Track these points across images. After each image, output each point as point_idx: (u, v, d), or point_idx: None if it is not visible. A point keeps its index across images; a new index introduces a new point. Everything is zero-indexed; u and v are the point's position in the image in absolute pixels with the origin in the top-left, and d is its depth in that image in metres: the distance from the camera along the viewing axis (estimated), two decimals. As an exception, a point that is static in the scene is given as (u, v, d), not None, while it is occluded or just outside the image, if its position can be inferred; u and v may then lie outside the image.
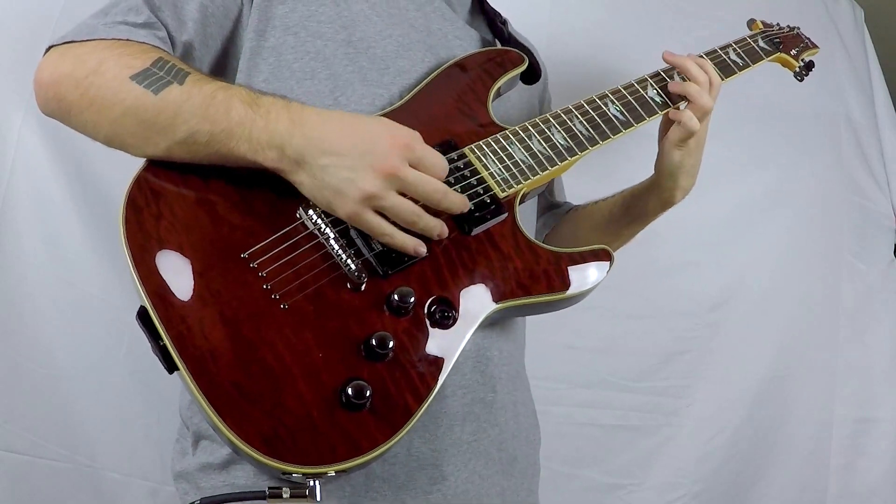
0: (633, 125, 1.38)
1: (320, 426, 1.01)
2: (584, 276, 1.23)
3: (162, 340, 1.01)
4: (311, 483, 1.00)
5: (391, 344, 1.05)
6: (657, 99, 1.42)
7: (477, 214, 1.18)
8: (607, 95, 1.40)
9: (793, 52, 1.68)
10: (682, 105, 1.41)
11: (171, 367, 1.02)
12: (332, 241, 1.10)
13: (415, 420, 1.05)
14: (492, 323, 1.22)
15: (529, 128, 1.31)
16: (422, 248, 1.12)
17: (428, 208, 1.12)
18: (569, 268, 1.22)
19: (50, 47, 1.20)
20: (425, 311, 1.11)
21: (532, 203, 1.48)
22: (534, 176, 1.26)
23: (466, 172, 1.22)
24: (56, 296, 1.78)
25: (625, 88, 1.42)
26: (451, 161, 1.21)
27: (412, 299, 1.09)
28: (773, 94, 2.34)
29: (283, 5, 1.29)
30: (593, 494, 2.22)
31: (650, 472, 2.26)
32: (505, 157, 1.26)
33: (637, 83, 1.43)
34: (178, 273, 1.05)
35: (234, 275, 1.06)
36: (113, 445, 1.82)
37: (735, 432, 2.32)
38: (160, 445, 1.82)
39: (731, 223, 2.35)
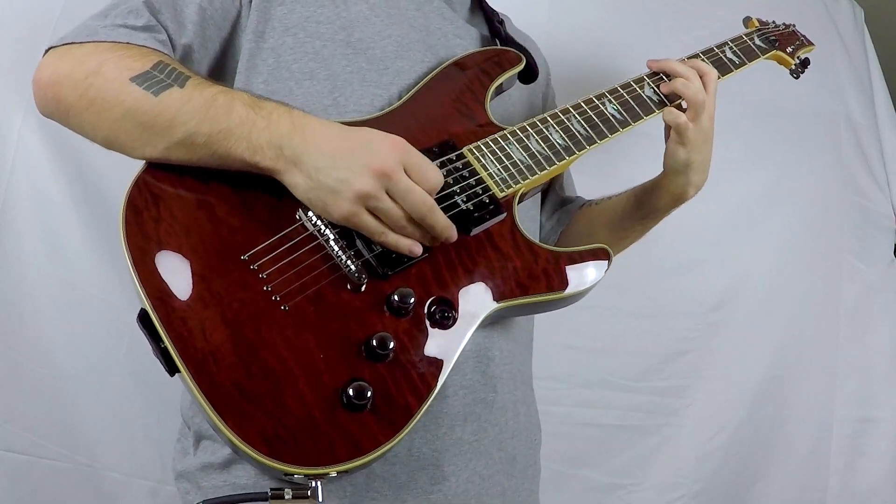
0: (630, 124, 1.39)
1: (322, 427, 1.01)
2: (583, 275, 1.23)
3: (163, 343, 1.01)
4: (313, 484, 1.00)
5: (392, 344, 1.06)
6: (654, 98, 1.42)
7: (476, 215, 1.19)
8: (604, 95, 1.40)
9: (788, 49, 1.68)
10: (684, 104, 1.40)
11: (172, 370, 1.02)
12: (332, 243, 1.10)
13: (416, 420, 1.05)
14: (492, 322, 1.22)
15: (527, 128, 1.31)
16: (417, 248, 1.12)
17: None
18: (567, 267, 1.22)
19: (49, 49, 1.20)
20: (425, 311, 1.12)
21: (532, 202, 1.48)
22: (532, 176, 1.27)
23: (465, 173, 1.22)
24: (56, 296, 1.78)
25: (622, 88, 1.42)
26: (449, 161, 1.21)
27: (412, 300, 1.09)
28: (773, 94, 2.34)
29: (281, 6, 1.29)
30: (593, 494, 2.22)
31: (650, 471, 2.26)
32: (503, 157, 1.26)
33: (634, 82, 1.43)
34: (178, 275, 1.05)
35: (234, 276, 1.06)
36: (113, 445, 1.82)
37: (735, 432, 2.32)
38: (160, 445, 1.82)
39: (731, 223, 2.35)
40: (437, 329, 1.11)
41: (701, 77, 1.41)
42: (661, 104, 1.42)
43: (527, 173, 1.26)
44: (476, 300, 1.15)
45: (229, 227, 1.10)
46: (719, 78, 1.47)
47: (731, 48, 1.56)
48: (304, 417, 1.01)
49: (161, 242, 1.06)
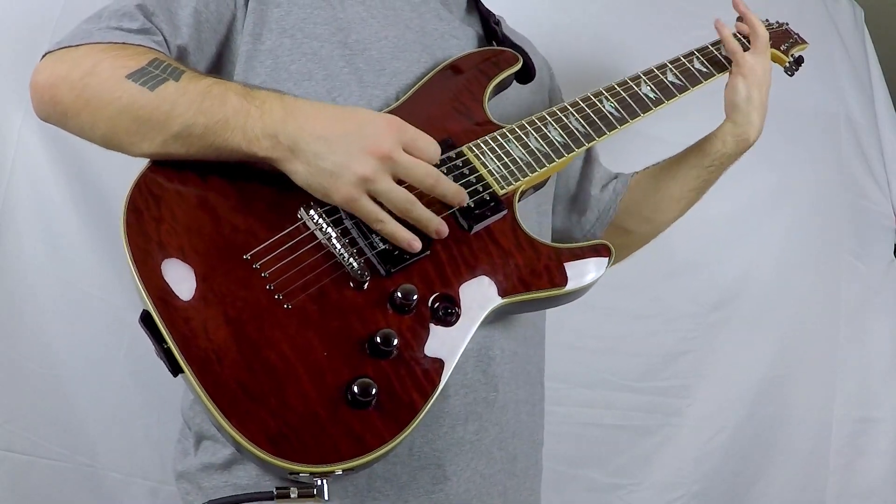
0: (628, 121, 1.40)
1: (326, 425, 1.01)
2: (585, 271, 1.23)
3: (166, 343, 1.01)
4: (319, 482, 0.99)
5: (395, 341, 1.06)
6: (651, 95, 1.44)
7: (477, 212, 1.19)
8: (602, 92, 1.41)
9: (782, 47, 1.70)
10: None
11: (175, 370, 1.02)
12: (334, 241, 1.10)
13: (421, 417, 1.05)
14: (494, 320, 1.22)
15: (526, 125, 1.32)
16: (416, 243, 1.12)
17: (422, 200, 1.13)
18: (569, 263, 1.23)
19: (46, 53, 1.21)
20: (429, 308, 1.12)
21: (543, 198, 1.48)
22: (532, 173, 1.27)
23: (465, 171, 1.22)
24: (56, 296, 1.78)
25: (619, 85, 1.44)
26: (449, 160, 1.22)
27: (415, 297, 1.09)
28: (773, 95, 2.33)
29: (278, 8, 1.30)
30: (594, 494, 2.22)
31: (650, 471, 2.26)
32: (503, 155, 1.27)
33: (631, 80, 1.45)
34: (180, 275, 1.05)
35: (236, 276, 1.06)
36: (113, 445, 1.82)
37: (735, 432, 2.32)
38: (160, 445, 1.82)
39: (731, 223, 2.35)
40: (440, 326, 1.11)
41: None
42: (658, 102, 1.44)
43: (526, 170, 1.27)
44: (479, 296, 1.16)
45: (231, 227, 1.10)
46: (715, 76, 1.55)
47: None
48: (309, 415, 1.00)
49: (162, 243, 1.06)
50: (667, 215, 1.63)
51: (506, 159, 1.27)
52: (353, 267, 1.09)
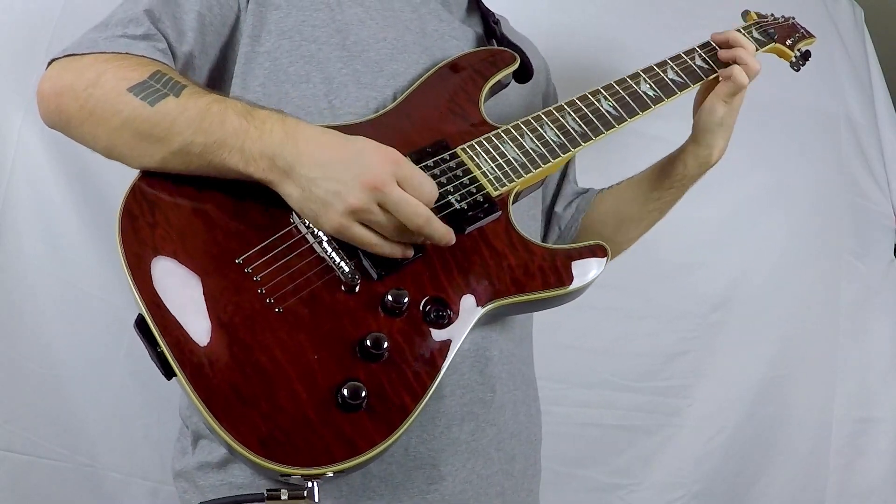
0: (626, 120, 1.39)
1: (317, 427, 1.01)
2: (580, 272, 1.22)
3: (159, 347, 1.02)
4: (310, 484, 1.00)
5: (386, 344, 1.06)
6: (650, 94, 1.42)
7: (470, 213, 1.19)
8: (600, 91, 1.40)
9: (788, 42, 1.67)
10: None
11: (168, 374, 1.02)
12: (325, 245, 1.10)
13: (412, 419, 1.05)
14: (490, 321, 1.23)
15: (522, 126, 1.31)
16: (409, 252, 1.13)
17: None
18: (564, 264, 1.22)
19: (52, 60, 1.21)
20: (420, 310, 1.12)
21: (533, 201, 1.48)
22: (526, 174, 1.27)
23: (459, 172, 1.22)
24: (56, 296, 1.78)
25: (617, 84, 1.42)
26: (443, 161, 1.22)
27: (406, 299, 1.09)
28: (773, 94, 2.34)
29: (277, 10, 1.30)
30: (593, 494, 2.22)
31: (650, 471, 2.26)
32: (497, 156, 1.26)
33: (630, 78, 1.44)
34: (174, 280, 1.06)
35: (229, 280, 1.07)
36: (113, 445, 1.82)
37: (735, 432, 2.31)
38: (160, 445, 1.82)
39: (731, 223, 2.35)
40: (432, 328, 1.11)
41: None
42: (658, 100, 1.43)
43: (521, 171, 1.26)
44: (471, 299, 1.15)
45: (224, 232, 1.11)
46: (718, 72, 1.51)
47: None
48: (300, 418, 1.01)
49: (157, 248, 1.07)
50: (628, 234, 1.60)
51: (500, 160, 1.26)
52: (344, 271, 1.09)
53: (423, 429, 1.19)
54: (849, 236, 2.49)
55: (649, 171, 1.57)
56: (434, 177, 1.19)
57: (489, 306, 1.16)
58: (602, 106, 1.38)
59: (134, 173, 1.13)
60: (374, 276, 1.12)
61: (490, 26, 1.51)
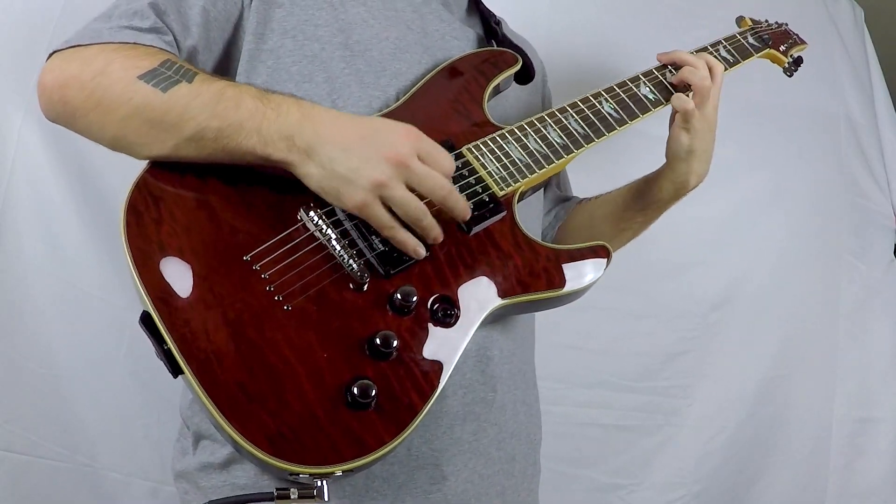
0: (627, 122, 1.40)
1: (326, 426, 1.01)
2: (583, 272, 1.23)
3: (166, 344, 1.01)
4: (319, 483, 0.99)
5: (395, 343, 1.06)
6: (650, 96, 1.43)
7: (476, 213, 1.18)
8: (601, 94, 1.41)
9: (781, 48, 1.70)
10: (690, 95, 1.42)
11: (175, 371, 1.02)
12: (334, 242, 1.10)
13: (420, 418, 1.06)
14: (493, 321, 1.22)
15: (525, 127, 1.32)
16: (421, 250, 1.12)
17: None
18: (567, 265, 1.22)
19: (53, 52, 1.20)
20: (428, 309, 1.12)
21: (533, 200, 1.48)
22: (531, 174, 1.27)
23: (465, 172, 1.22)
24: (56, 296, 1.78)
25: (619, 87, 1.43)
26: None
27: (415, 298, 1.09)
28: (773, 95, 2.35)
29: (280, 9, 1.29)
30: (594, 494, 2.22)
31: (650, 471, 2.26)
32: (502, 156, 1.27)
33: (630, 81, 1.45)
34: (180, 277, 1.05)
35: (236, 277, 1.06)
36: (113, 445, 1.82)
37: (735, 432, 2.32)
38: (160, 445, 1.82)
39: (731, 223, 2.36)
40: (439, 327, 1.11)
41: (708, 68, 1.43)
42: (658, 103, 1.44)
43: (525, 172, 1.27)
44: (478, 298, 1.16)
45: (231, 228, 1.10)
46: None
47: (725, 47, 1.58)
48: (308, 416, 1.00)
49: (162, 244, 1.06)
50: None
51: (505, 160, 1.26)
52: (353, 268, 1.09)
53: (426, 429, 1.19)
54: (849, 236, 2.49)
55: (625, 191, 1.56)
56: None
57: (496, 305, 1.16)
58: (603, 108, 1.39)
59: (135, 172, 1.12)
60: (383, 274, 1.11)
61: (491, 27, 1.52)
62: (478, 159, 1.25)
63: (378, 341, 1.05)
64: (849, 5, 2.69)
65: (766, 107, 2.38)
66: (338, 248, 1.10)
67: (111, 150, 1.16)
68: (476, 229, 1.19)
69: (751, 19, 1.72)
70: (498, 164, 1.25)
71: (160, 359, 1.02)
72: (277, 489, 1.00)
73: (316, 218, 1.10)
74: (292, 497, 1.00)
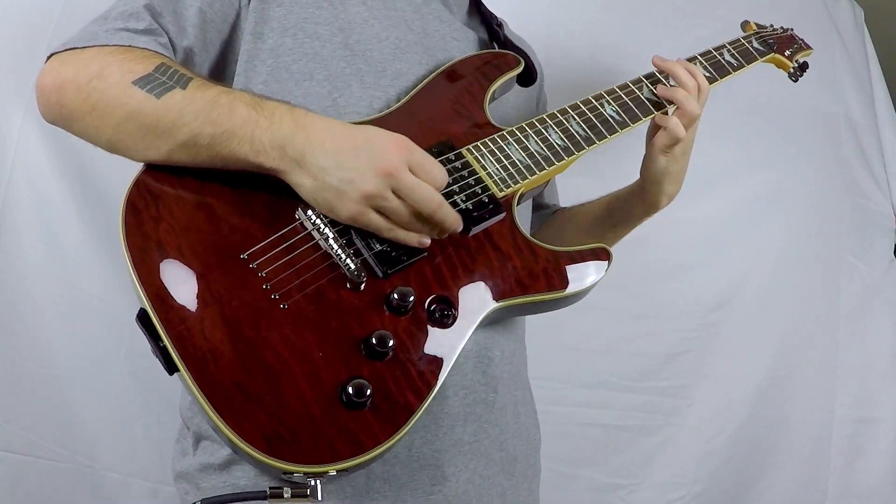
0: (628, 125, 1.39)
1: (321, 425, 1.01)
2: (583, 274, 1.23)
3: (162, 342, 1.01)
4: (313, 482, 0.99)
5: (391, 342, 1.06)
6: (652, 100, 1.43)
7: (475, 214, 1.18)
8: (603, 96, 1.40)
9: (787, 52, 1.69)
10: (671, 109, 1.41)
11: (171, 369, 1.02)
12: (332, 241, 1.10)
13: (416, 418, 1.05)
14: (492, 322, 1.22)
15: (526, 128, 1.32)
16: (426, 240, 1.13)
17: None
18: (568, 266, 1.22)
19: (52, 54, 1.20)
20: (425, 310, 1.12)
21: (529, 204, 1.48)
22: (531, 176, 1.27)
23: (465, 173, 1.22)
24: (56, 296, 1.78)
25: (620, 89, 1.42)
26: (448, 161, 1.21)
27: (412, 298, 1.09)
28: (773, 95, 2.34)
29: (280, 7, 1.29)
30: (594, 494, 2.22)
31: (651, 471, 2.26)
32: (502, 158, 1.27)
33: (632, 84, 1.44)
34: (177, 275, 1.05)
35: (233, 275, 1.06)
36: (113, 445, 1.82)
37: (735, 432, 2.32)
38: (160, 445, 1.82)
39: (731, 224, 2.35)
40: (436, 328, 1.11)
41: (698, 89, 1.43)
42: (660, 106, 1.43)
43: (526, 173, 1.27)
44: (476, 299, 1.15)
45: (229, 226, 1.10)
46: (718, 80, 1.51)
47: (729, 51, 1.57)
48: (304, 416, 1.00)
49: (160, 242, 1.06)
50: None
51: (505, 162, 1.26)
52: (350, 268, 1.09)
53: (427, 429, 1.19)
54: (849, 236, 2.49)
55: (597, 206, 1.57)
56: None
57: (494, 307, 1.16)
58: (605, 110, 1.38)
59: (134, 172, 1.12)
60: (380, 273, 1.11)
61: (493, 29, 1.52)
62: (478, 160, 1.25)
63: (374, 341, 1.05)
64: (849, 5, 2.68)
65: (766, 107, 2.38)
66: (335, 247, 1.10)
67: (108, 153, 1.17)
68: (475, 230, 1.19)
69: (756, 24, 1.71)
70: (498, 166, 1.25)
71: (156, 356, 1.03)
72: (270, 488, 1.00)
73: (313, 217, 1.10)
74: (285, 496, 1.00)
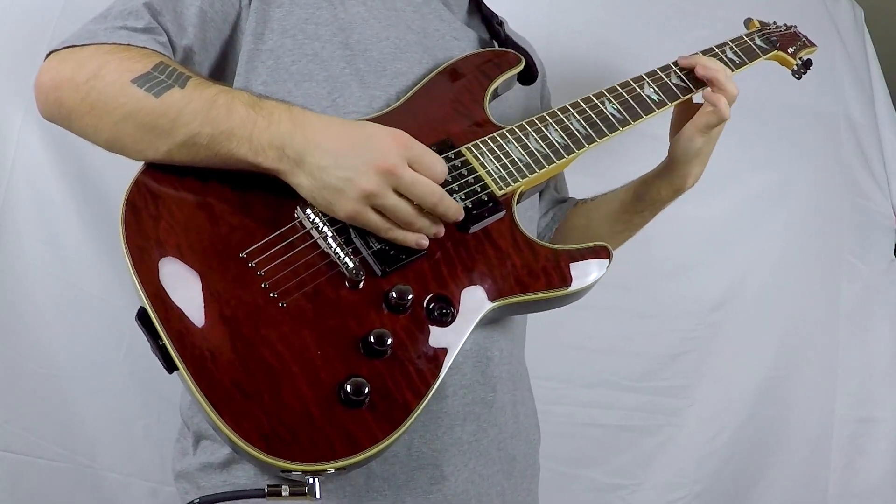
0: (630, 123, 1.38)
1: (319, 423, 1.01)
2: (583, 273, 1.22)
3: (161, 340, 1.01)
4: (311, 481, 0.99)
5: (389, 341, 1.05)
6: (654, 97, 1.42)
7: (475, 212, 1.18)
8: (604, 94, 1.40)
9: (790, 50, 1.68)
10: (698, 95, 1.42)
11: (170, 367, 1.02)
12: (330, 240, 1.10)
13: (414, 417, 1.05)
14: (492, 321, 1.22)
15: (526, 126, 1.31)
16: (423, 241, 1.13)
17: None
18: (567, 265, 1.22)
19: (50, 52, 1.20)
20: (424, 308, 1.11)
21: (532, 201, 1.48)
22: (531, 174, 1.27)
23: (464, 171, 1.22)
24: (56, 296, 1.78)
25: (622, 87, 1.42)
26: (448, 160, 1.21)
27: (410, 297, 1.09)
28: (773, 95, 2.34)
29: (280, 8, 1.29)
30: (594, 494, 2.22)
31: (651, 472, 2.26)
32: (502, 156, 1.26)
33: (634, 82, 1.43)
34: (176, 273, 1.05)
35: (232, 274, 1.07)
36: (113, 445, 1.82)
37: (736, 432, 2.32)
38: (160, 445, 1.82)
39: (731, 224, 2.36)
40: (435, 326, 1.11)
41: None
42: (661, 104, 1.42)
43: (525, 171, 1.26)
44: (475, 297, 1.15)
45: (228, 225, 1.10)
46: None
47: (731, 48, 1.56)
48: (302, 414, 1.00)
49: (160, 241, 1.06)
50: None
51: (505, 160, 1.26)
52: (349, 266, 1.09)
53: (426, 429, 1.19)
54: (849, 236, 2.49)
55: (623, 193, 1.56)
56: None
57: (493, 305, 1.16)
58: (606, 108, 1.38)
59: (134, 171, 1.12)
60: (378, 272, 1.11)
61: (494, 28, 1.51)
62: (477, 158, 1.24)
63: (372, 339, 1.05)
64: (849, 5, 2.68)
65: (767, 107, 2.38)
66: (333, 245, 1.10)
67: (108, 151, 1.17)
68: (474, 228, 1.19)
69: (759, 21, 1.70)
70: (497, 164, 1.25)
71: (155, 354, 1.03)
72: (269, 486, 1.01)
73: (312, 215, 1.11)
74: (283, 494, 1.00)
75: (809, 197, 2.46)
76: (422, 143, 1.15)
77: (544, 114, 1.34)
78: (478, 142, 1.26)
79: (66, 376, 1.78)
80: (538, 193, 1.55)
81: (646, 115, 1.40)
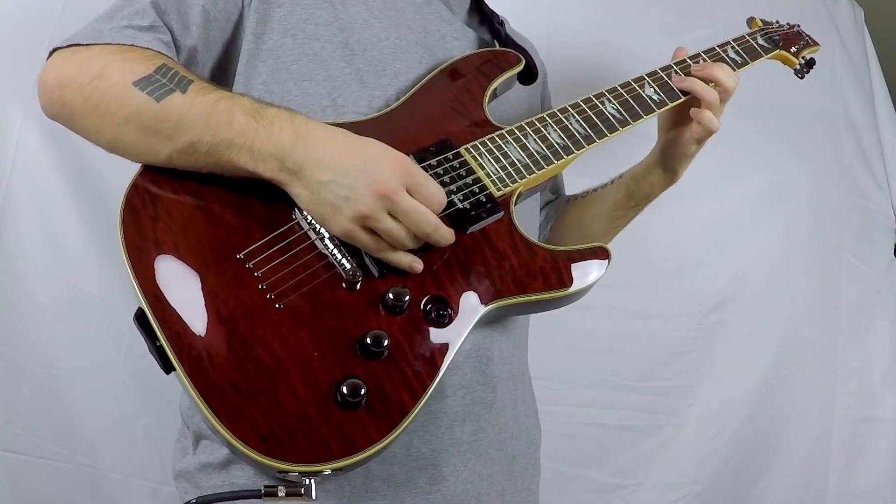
0: (630, 123, 1.38)
1: (316, 424, 1.01)
2: (582, 274, 1.22)
3: (159, 341, 1.02)
4: (307, 481, 0.99)
5: (386, 342, 1.05)
6: (655, 97, 1.42)
7: (472, 213, 1.18)
8: (604, 94, 1.39)
9: (793, 49, 1.67)
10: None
11: (167, 368, 1.02)
12: (327, 241, 1.10)
13: (411, 418, 1.05)
14: (491, 322, 1.22)
15: (525, 127, 1.31)
16: (418, 265, 1.12)
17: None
18: (567, 266, 1.22)
19: (55, 50, 1.20)
20: (421, 309, 1.11)
21: (531, 202, 1.48)
22: (529, 175, 1.26)
23: (462, 171, 1.22)
24: (56, 296, 1.78)
25: (622, 87, 1.41)
26: (446, 160, 1.21)
27: (407, 298, 1.09)
28: (773, 95, 2.34)
29: (280, 8, 1.29)
30: (595, 494, 2.22)
31: (651, 472, 2.26)
32: (501, 157, 1.26)
33: (634, 82, 1.43)
34: (174, 274, 1.05)
35: (230, 275, 1.07)
36: (113, 445, 1.82)
37: (736, 432, 2.32)
38: (160, 445, 1.82)
39: (731, 224, 2.35)
40: (432, 327, 1.11)
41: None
42: (662, 104, 1.42)
43: (524, 172, 1.26)
44: (472, 298, 1.15)
45: (225, 226, 1.10)
46: None
47: (733, 48, 1.56)
48: (299, 415, 1.01)
49: (158, 241, 1.07)
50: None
51: (503, 161, 1.26)
52: (346, 268, 1.09)
53: (426, 429, 1.19)
54: (849, 236, 2.49)
55: (614, 190, 1.57)
56: (437, 176, 1.18)
57: (490, 306, 1.16)
58: (606, 109, 1.37)
59: (134, 171, 1.12)
60: (376, 273, 1.11)
61: (494, 28, 1.51)
62: (476, 159, 1.24)
63: (369, 341, 1.05)
64: (849, 5, 2.68)
65: (767, 107, 2.38)
66: (330, 246, 1.10)
67: (109, 152, 1.17)
68: (472, 229, 1.19)
69: (762, 20, 1.69)
70: (496, 165, 1.25)
71: (153, 355, 1.03)
72: (265, 486, 1.01)
73: (310, 217, 1.11)
74: (280, 495, 1.00)
75: (809, 197, 2.45)
76: (421, 142, 1.15)
77: (544, 114, 1.33)
78: (476, 142, 1.26)
79: (66, 376, 1.78)
80: (538, 194, 1.55)
81: (646, 115, 1.40)
